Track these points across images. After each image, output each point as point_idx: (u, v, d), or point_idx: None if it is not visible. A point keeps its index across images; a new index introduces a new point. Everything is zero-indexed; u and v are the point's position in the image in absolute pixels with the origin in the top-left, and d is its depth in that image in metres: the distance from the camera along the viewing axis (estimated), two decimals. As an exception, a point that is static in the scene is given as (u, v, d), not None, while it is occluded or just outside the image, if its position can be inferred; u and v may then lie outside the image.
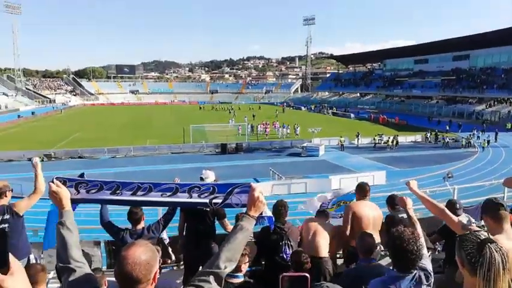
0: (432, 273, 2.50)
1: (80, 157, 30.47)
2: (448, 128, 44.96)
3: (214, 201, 2.49)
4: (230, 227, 4.48)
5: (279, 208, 4.30)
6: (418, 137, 40.05)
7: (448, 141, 36.57)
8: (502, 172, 23.52)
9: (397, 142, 35.80)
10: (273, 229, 4.10)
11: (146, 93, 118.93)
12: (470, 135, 37.25)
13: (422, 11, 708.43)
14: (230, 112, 65.53)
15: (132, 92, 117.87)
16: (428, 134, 39.24)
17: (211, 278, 1.76)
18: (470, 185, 15.43)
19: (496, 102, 58.74)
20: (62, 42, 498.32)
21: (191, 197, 2.53)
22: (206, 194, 2.51)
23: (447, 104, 65.95)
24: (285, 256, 3.98)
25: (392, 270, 2.51)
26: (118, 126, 50.33)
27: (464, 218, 3.89)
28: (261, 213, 2.16)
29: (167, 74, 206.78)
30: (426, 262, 2.53)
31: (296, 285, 1.14)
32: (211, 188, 2.51)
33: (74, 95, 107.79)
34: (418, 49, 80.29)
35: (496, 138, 37.54)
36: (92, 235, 6.58)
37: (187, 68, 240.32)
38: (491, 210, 2.60)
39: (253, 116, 58.40)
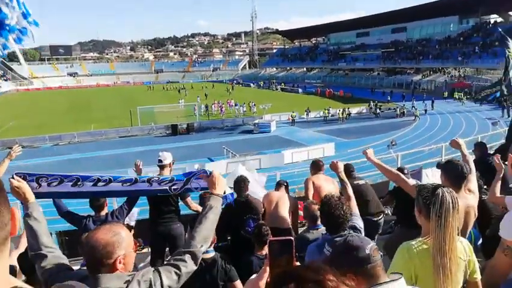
0: (362, 230, 2.79)
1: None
2: (389, 98, 47.31)
3: (173, 187, 2.68)
4: (194, 205, 4.51)
5: (240, 183, 4.43)
6: (363, 108, 41.88)
7: (378, 112, 38.76)
8: (438, 138, 25.43)
9: (349, 114, 37.20)
10: (235, 204, 4.19)
11: (86, 75, 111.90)
12: (403, 105, 39.54)
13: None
14: (180, 92, 63.78)
15: (70, 74, 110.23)
16: (372, 104, 41.14)
17: (187, 257, 1.81)
18: (411, 151, 16.60)
19: (431, 72, 62.66)
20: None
21: (151, 185, 2.68)
22: (165, 182, 2.69)
23: (387, 75, 69.24)
24: (249, 229, 4.09)
25: (326, 234, 2.76)
26: (57, 112, 47.16)
27: (413, 181, 4.20)
28: (224, 192, 2.25)
29: (107, 54, 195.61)
30: (358, 221, 2.85)
31: (284, 249, 1.21)
32: (170, 178, 2.73)
33: (5, 80, 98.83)
34: (360, 22, 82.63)
35: (432, 106, 40.23)
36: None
37: (129, 47, 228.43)
38: (450, 173, 2.79)
39: (206, 95, 56.81)
